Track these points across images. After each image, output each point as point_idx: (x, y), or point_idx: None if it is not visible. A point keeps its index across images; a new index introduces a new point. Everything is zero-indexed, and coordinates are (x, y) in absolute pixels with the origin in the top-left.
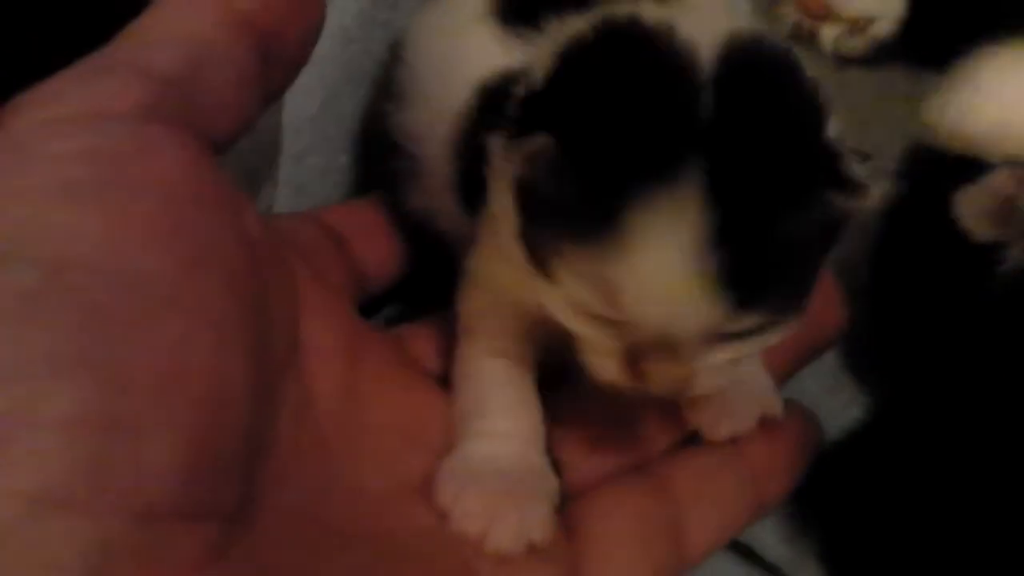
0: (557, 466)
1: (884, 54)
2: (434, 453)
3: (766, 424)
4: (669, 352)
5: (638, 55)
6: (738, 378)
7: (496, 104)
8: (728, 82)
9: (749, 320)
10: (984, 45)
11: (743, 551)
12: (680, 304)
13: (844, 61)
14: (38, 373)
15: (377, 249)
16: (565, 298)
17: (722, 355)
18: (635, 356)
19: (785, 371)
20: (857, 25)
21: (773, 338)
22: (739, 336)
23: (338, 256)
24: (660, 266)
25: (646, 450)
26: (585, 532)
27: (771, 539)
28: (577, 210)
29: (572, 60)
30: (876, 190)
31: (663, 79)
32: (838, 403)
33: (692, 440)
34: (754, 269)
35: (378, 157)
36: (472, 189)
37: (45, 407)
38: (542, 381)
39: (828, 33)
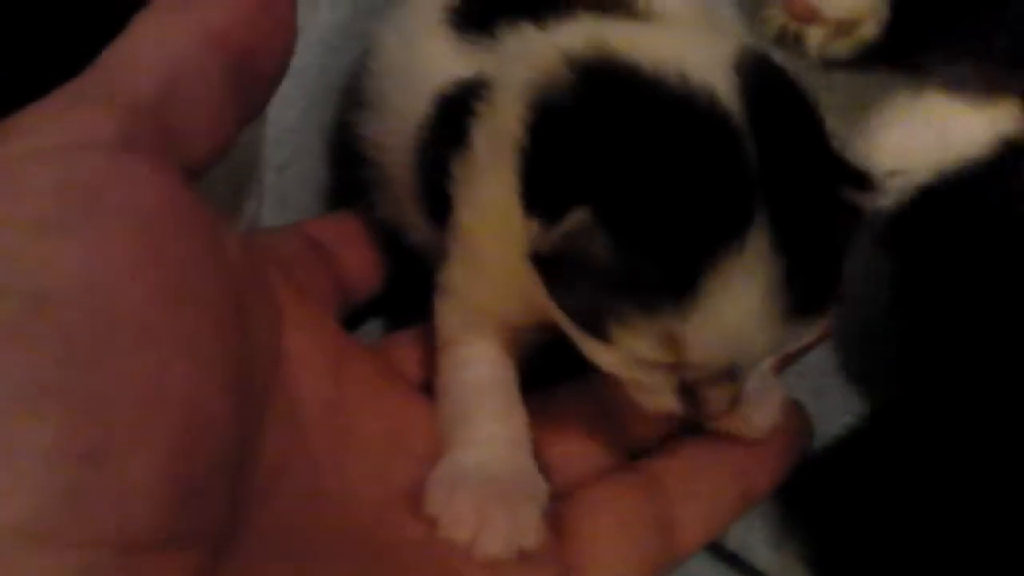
0: (544, 468)
1: (869, 57)
2: (420, 461)
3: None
4: (729, 378)
5: (662, 111)
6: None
7: (452, 114)
8: (757, 119)
9: (808, 332)
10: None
11: (731, 558)
12: (754, 340)
13: (830, 64)
14: (16, 406)
15: (360, 260)
16: (622, 355)
17: (769, 363)
18: (691, 386)
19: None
20: (842, 28)
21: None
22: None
23: (321, 268)
24: (739, 313)
25: (632, 446)
26: (574, 532)
27: (760, 545)
28: (636, 278)
29: (576, 120)
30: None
31: (703, 137)
32: (826, 408)
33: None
34: (817, 288)
35: (355, 168)
36: (436, 200)
37: (24, 439)
38: (524, 383)
39: (814, 36)
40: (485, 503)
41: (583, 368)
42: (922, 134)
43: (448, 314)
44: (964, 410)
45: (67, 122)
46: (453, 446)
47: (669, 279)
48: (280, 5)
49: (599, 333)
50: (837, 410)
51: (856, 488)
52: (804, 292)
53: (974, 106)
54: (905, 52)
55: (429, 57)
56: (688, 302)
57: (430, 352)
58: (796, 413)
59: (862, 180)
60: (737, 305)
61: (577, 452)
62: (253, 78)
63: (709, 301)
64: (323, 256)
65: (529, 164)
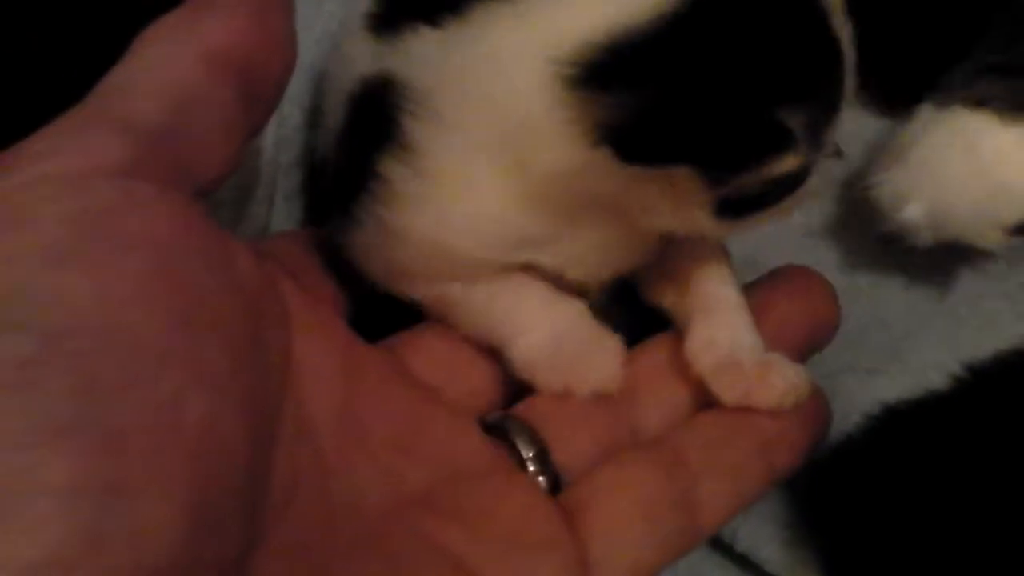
0: (544, 446)
1: (889, 81)
2: (432, 464)
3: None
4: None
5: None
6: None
7: (359, 107)
8: None
9: None
10: (922, 106)
11: (741, 560)
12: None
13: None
14: (35, 442)
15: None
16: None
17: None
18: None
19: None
20: None
21: None
22: None
23: (325, 272)
24: None
25: (638, 421)
26: (588, 516)
27: (770, 547)
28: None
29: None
30: None
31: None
32: (837, 409)
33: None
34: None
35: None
36: (344, 183)
37: (42, 475)
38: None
39: None
40: (561, 362)
41: None
42: (954, 158)
43: (413, 282)
44: (975, 409)
45: (76, 148)
46: (509, 342)
47: (840, 79)
48: (278, 20)
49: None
50: (848, 409)
51: (866, 488)
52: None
53: (1003, 123)
54: (925, 75)
55: (350, 62)
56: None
57: (438, 350)
58: (817, 392)
59: None
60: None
61: (578, 427)
62: (257, 94)
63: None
64: (326, 261)
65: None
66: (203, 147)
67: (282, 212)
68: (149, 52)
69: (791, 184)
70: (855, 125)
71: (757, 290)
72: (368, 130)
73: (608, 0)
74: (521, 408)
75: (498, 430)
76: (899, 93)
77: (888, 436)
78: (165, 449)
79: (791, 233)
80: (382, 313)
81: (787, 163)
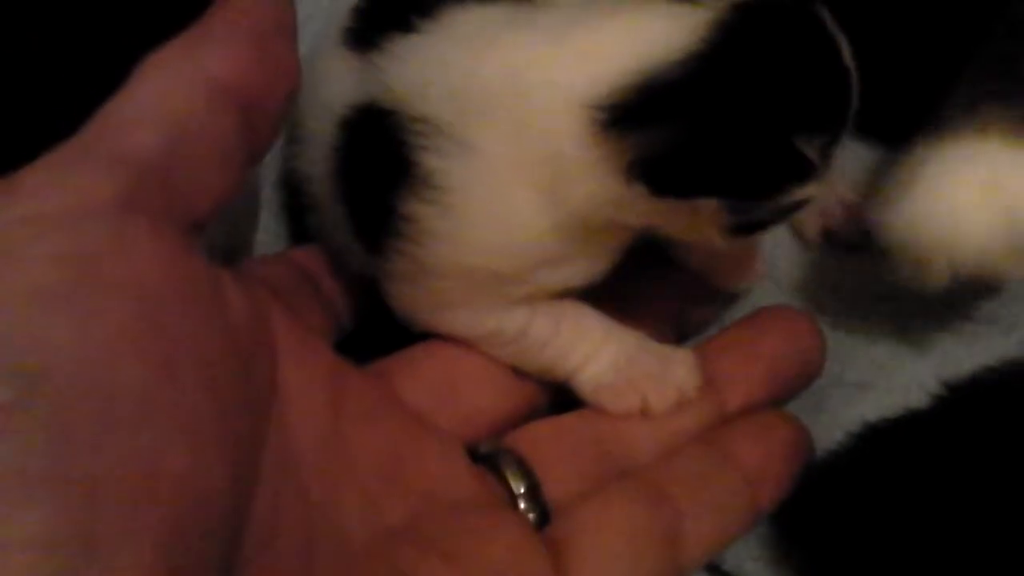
0: (535, 480)
1: (892, 108)
2: (418, 497)
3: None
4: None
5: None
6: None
7: (366, 138)
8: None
9: None
10: (926, 133)
11: None
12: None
13: None
14: (8, 493)
15: (345, 285)
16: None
17: None
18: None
19: (774, 397)
20: None
21: None
22: None
23: (314, 295)
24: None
25: (627, 457)
26: (574, 551)
27: (756, 564)
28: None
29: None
30: None
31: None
32: (823, 423)
33: None
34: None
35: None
36: (366, 223)
37: (14, 528)
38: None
39: None
40: (638, 379)
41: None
42: (964, 187)
43: (456, 318)
44: (954, 427)
45: (68, 185)
46: (575, 372)
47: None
48: (280, 48)
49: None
50: (834, 423)
51: (850, 506)
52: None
53: (1009, 145)
54: (927, 102)
55: (331, 82)
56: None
57: (431, 374)
58: (798, 425)
59: None
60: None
61: (567, 461)
62: (258, 123)
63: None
64: (313, 285)
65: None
66: (200, 180)
67: (270, 228)
68: (149, 81)
69: (801, 204)
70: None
71: (747, 329)
72: (381, 168)
73: (634, 42)
74: (512, 439)
75: (489, 460)
76: (893, 121)
77: (870, 454)
78: (144, 503)
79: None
80: (380, 329)
81: (808, 190)
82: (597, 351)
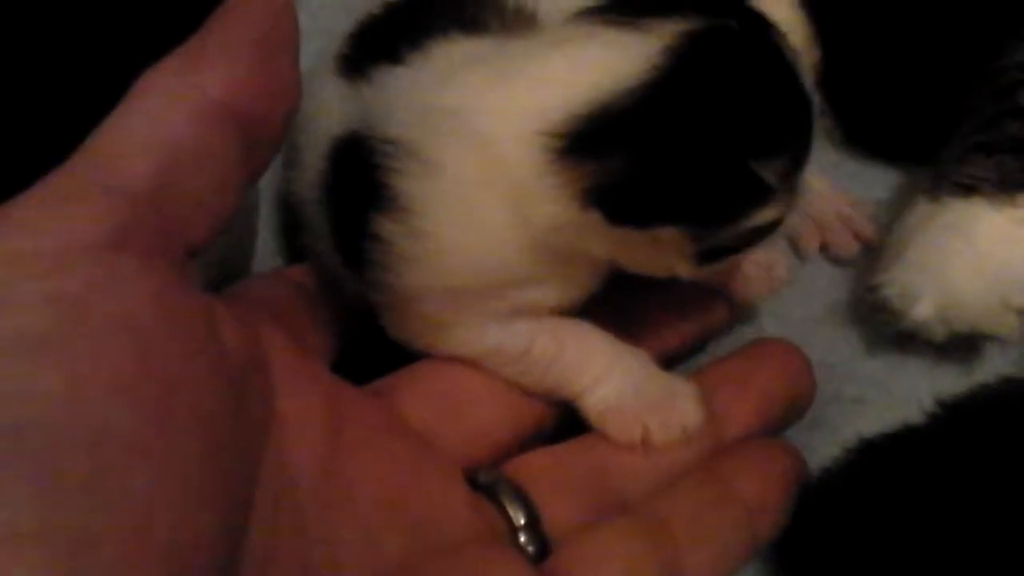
0: (535, 513)
1: (891, 154)
2: (415, 530)
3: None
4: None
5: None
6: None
7: (347, 166)
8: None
9: None
10: (924, 188)
11: None
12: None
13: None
14: None
15: (344, 301)
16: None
17: None
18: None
19: (767, 430)
20: None
21: None
22: None
23: (312, 315)
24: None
25: (626, 488)
26: None
27: None
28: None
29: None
30: None
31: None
32: (822, 439)
33: None
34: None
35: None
36: (350, 255)
37: None
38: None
39: None
40: (643, 409)
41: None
42: (952, 251)
43: (454, 338)
44: (948, 444)
45: (59, 221)
46: (582, 394)
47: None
48: (282, 63)
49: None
50: (833, 439)
51: (844, 524)
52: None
53: (995, 206)
54: (925, 148)
55: (324, 107)
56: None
57: (434, 391)
58: (794, 453)
59: None
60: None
61: (566, 493)
62: (258, 141)
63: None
64: (312, 303)
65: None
66: (197, 205)
67: (270, 246)
68: (143, 103)
69: (769, 229)
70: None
71: (743, 361)
72: (359, 194)
73: (586, 70)
74: (511, 468)
75: (488, 490)
76: (904, 144)
77: (864, 471)
78: (134, 549)
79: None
80: (382, 342)
81: (767, 213)
82: (605, 374)
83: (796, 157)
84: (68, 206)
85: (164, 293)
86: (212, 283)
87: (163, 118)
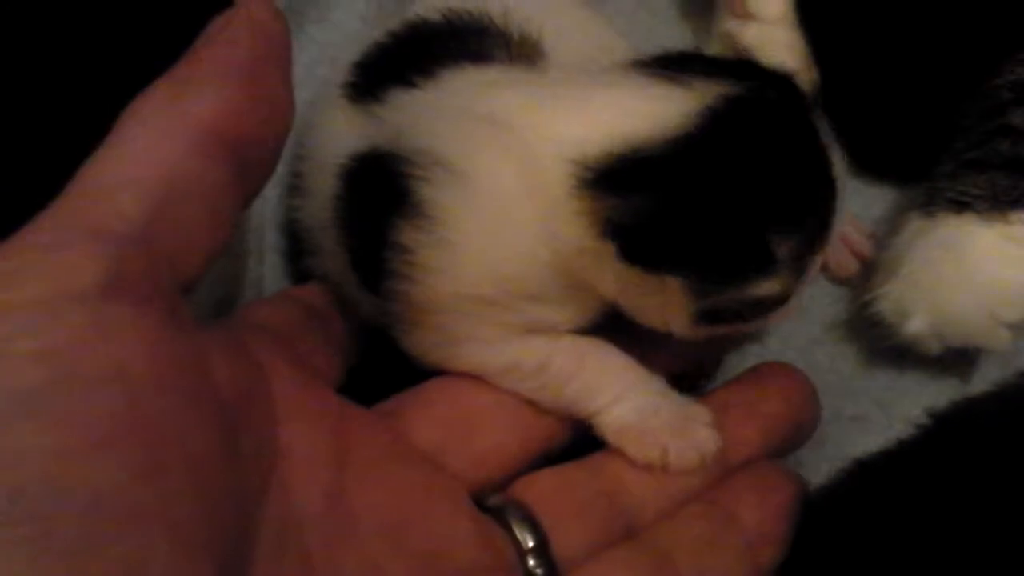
0: (544, 537)
1: (884, 171)
2: (420, 558)
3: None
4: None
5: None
6: None
7: (364, 182)
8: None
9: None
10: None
11: None
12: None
13: None
14: None
15: (354, 319)
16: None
17: None
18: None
19: (770, 455)
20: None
21: None
22: None
23: (322, 338)
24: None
25: (634, 512)
26: None
27: None
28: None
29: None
30: None
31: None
32: (822, 459)
33: None
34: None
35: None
36: (367, 270)
37: None
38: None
39: (749, 35)
40: (662, 431)
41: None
42: (945, 267)
43: (471, 353)
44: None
45: (47, 268)
46: (599, 412)
47: (833, 206)
48: (274, 81)
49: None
50: (833, 457)
51: (839, 542)
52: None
53: (985, 223)
54: (917, 164)
55: (332, 132)
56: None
57: (443, 412)
58: (795, 479)
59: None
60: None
61: (575, 517)
62: (252, 163)
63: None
64: (321, 322)
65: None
66: (190, 239)
67: (277, 268)
68: (132, 135)
69: (770, 305)
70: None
71: (750, 387)
72: (379, 207)
73: (630, 112)
74: (519, 490)
75: (496, 512)
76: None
77: (858, 488)
78: None
79: None
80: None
81: (767, 287)
82: (625, 393)
83: (811, 240)
84: (56, 253)
85: (156, 340)
86: (208, 305)
87: (153, 151)
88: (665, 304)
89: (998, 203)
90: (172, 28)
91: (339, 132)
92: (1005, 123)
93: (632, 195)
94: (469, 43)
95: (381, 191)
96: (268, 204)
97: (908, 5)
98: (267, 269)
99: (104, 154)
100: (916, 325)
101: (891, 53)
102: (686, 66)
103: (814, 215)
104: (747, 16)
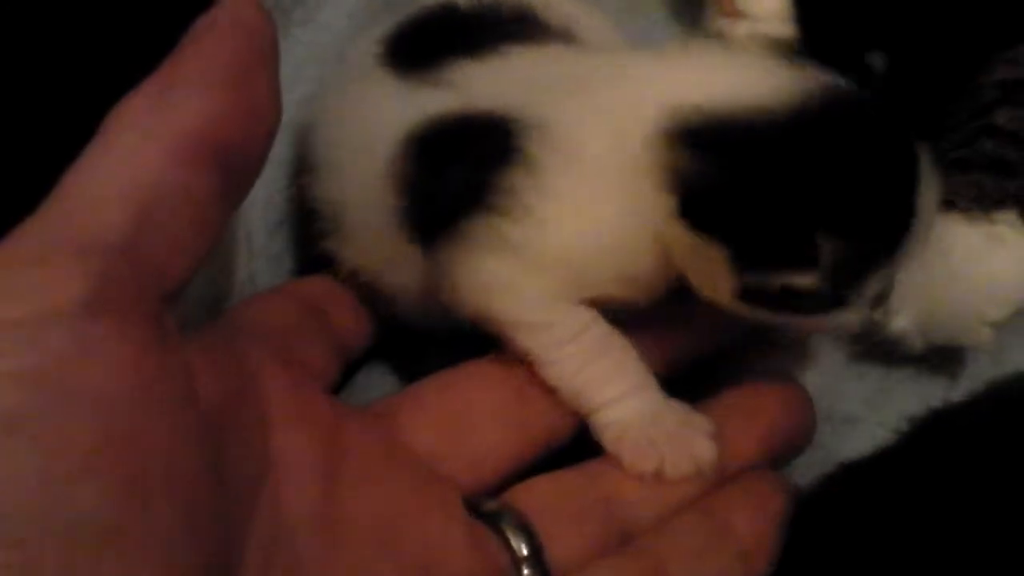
0: (539, 544)
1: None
2: (413, 568)
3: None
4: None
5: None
6: None
7: (440, 148)
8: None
9: None
10: None
11: None
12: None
13: None
14: None
15: (352, 316)
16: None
17: None
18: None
19: (765, 463)
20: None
21: None
22: None
23: (319, 333)
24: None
25: (629, 519)
26: None
27: None
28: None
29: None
30: None
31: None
32: (813, 461)
33: None
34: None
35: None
36: (430, 222)
37: None
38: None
39: (740, 32)
40: (660, 439)
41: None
42: (930, 265)
43: (521, 300)
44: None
45: (29, 286)
46: (602, 407)
47: (904, 233)
48: (261, 82)
49: (840, 306)
50: (824, 459)
51: (827, 541)
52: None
53: (971, 223)
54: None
55: (378, 107)
56: (916, 234)
57: (439, 413)
58: (786, 489)
59: None
60: (929, 211)
61: (572, 522)
62: (236, 170)
63: (923, 223)
64: (320, 319)
65: (722, 204)
66: (175, 248)
67: (267, 272)
68: (115, 144)
69: (808, 304)
70: None
71: (749, 398)
72: (476, 156)
73: (734, 81)
74: (514, 496)
75: (490, 518)
76: None
77: (841, 492)
78: None
79: None
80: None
81: (799, 280)
82: (632, 392)
83: (867, 256)
84: (38, 270)
85: (139, 359)
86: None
87: (138, 159)
88: (714, 273)
89: (983, 203)
90: (156, 28)
91: (383, 104)
92: (990, 123)
93: (705, 154)
94: (506, 29)
95: (480, 144)
96: (256, 203)
97: (898, 4)
98: (259, 265)
99: (87, 162)
100: (901, 323)
101: (880, 52)
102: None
103: (878, 232)
104: (736, 14)
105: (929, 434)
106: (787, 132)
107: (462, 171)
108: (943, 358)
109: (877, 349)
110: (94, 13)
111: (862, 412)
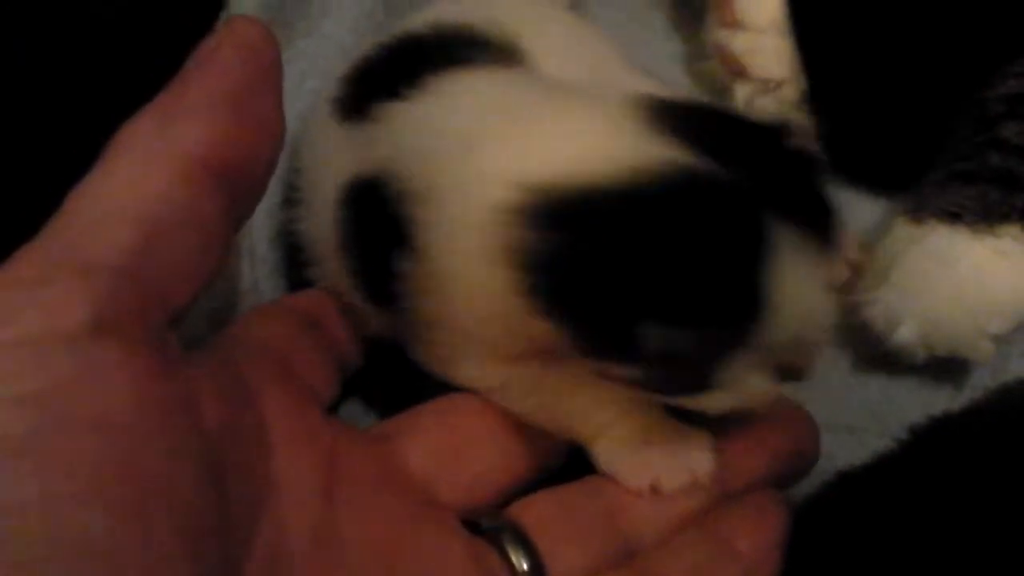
0: (540, 561)
1: (871, 181)
2: None
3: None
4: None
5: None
6: None
7: (362, 207)
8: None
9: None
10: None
11: None
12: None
13: None
14: None
15: (350, 330)
16: (730, 389)
17: None
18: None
19: (769, 486)
20: (767, 86)
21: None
22: None
23: (317, 347)
24: (806, 294)
25: (631, 535)
26: None
27: None
28: (725, 338)
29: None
30: None
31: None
32: (815, 470)
33: None
34: (828, 231)
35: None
36: (372, 288)
37: None
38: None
39: (741, 91)
40: (653, 455)
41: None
42: (935, 277)
43: (469, 367)
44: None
45: (33, 307)
46: (593, 437)
47: (747, 318)
48: (264, 102)
49: (705, 388)
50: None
51: (824, 549)
52: (825, 241)
53: (976, 236)
54: (907, 176)
55: (326, 149)
56: (771, 318)
57: (436, 438)
58: (782, 503)
59: (784, 128)
60: (801, 292)
61: (572, 541)
62: (241, 192)
63: (785, 305)
64: (317, 333)
65: (556, 279)
66: (180, 270)
67: (267, 284)
68: (120, 166)
69: (671, 387)
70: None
71: (749, 420)
72: (377, 230)
73: (570, 154)
74: (515, 512)
75: (492, 535)
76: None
77: (838, 501)
78: None
79: None
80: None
81: (625, 371)
82: (618, 418)
83: (711, 345)
84: (42, 291)
85: (143, 383)
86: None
87: (142, 182)
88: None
89: (988, 216)
90: (161, 49)
91: (331, 151)
92: (996, 136)
93: (541, 233)
94: (453, 51)
95: (377, 218)
96: (258, 213)
97: (900, 15)
98: (262, 274)
99: (91, 184)
100: (905, 333)
101: (882, 63)
102: (688, 122)
103: (716, 318)
104: (736, 25)
105: (928, 442)
106: (614, 214)
107: (367, 253)
108: (946, 369)
109: (880, 359)
110: (99, 36)
111: (865, 422)
